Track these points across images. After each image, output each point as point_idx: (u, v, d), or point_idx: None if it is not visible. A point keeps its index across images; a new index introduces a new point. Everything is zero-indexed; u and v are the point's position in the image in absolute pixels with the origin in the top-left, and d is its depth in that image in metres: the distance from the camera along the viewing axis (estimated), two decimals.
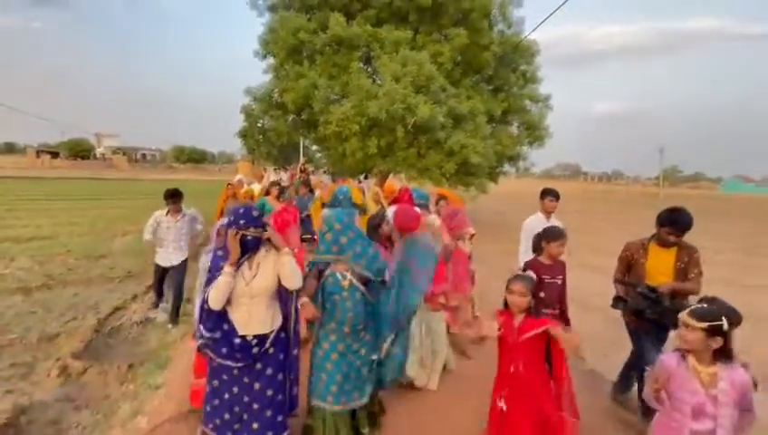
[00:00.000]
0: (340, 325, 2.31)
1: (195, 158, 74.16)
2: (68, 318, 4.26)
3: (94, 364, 3.31)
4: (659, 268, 2.75)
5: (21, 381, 3.12)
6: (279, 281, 2.15)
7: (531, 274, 2.48)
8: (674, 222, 2.69)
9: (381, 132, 9.97)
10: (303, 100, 10.66)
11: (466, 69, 11.40)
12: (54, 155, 64.64)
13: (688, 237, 2.80)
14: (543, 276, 2.71)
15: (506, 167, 13.74)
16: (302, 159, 18.75)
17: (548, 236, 2.81)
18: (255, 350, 2.12)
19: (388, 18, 11.02)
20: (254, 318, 2.12)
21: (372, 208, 5.34)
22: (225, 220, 2.53)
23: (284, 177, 15.37)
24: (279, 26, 10.83)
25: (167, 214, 4.31)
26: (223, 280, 2.02)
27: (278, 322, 2.22)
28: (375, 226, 3.29)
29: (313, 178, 11.58)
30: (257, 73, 13.15)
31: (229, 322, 2.11)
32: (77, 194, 18.97)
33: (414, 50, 10.27)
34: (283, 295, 2.28)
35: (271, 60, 12.37)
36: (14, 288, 5.10)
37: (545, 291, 2.71)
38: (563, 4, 7.78)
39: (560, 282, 2.82)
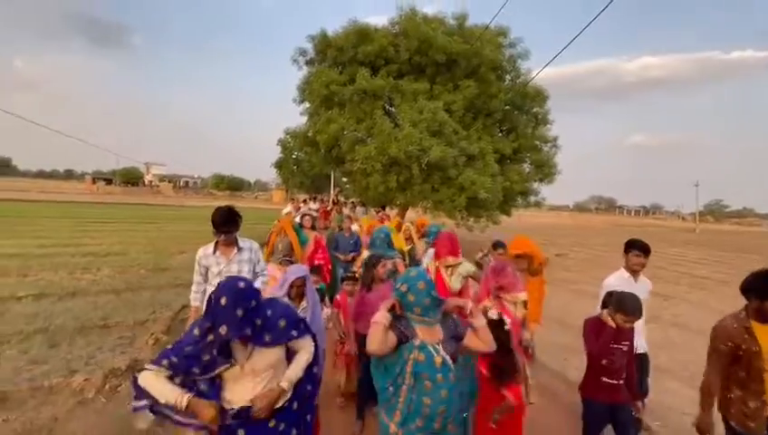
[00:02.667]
0: (430, 421, 1.78)
1: (233, 185, 78.56)
2: (150, 311, 5.70)
3: (176, 338, 4.68)
4: None
5: (128, 347, 4.52)
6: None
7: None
8: None
9: (400, 169, 11.36)
10: (333, 140, 12.32)
11: (477, 114, 12.74)
12: (108, 181, 70.42)
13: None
14: (612, 341, 2.45)
15: (519, 201, 14.78)
16: (334, 190, 20.15)
17: (617, 307, 2.45)
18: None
19: (408, 71, 12.66)
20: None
21: (402, 246, 5.36)
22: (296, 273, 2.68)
23: (314, 206, 16.17)
24: (314, 79, 12.68)
25: (215, 251, 3.08)
26: (169, 390, 1.66)
27: (287, 396, 1.89)
28: (370, 265, 3.23)
29: (347, 211, 12.44)
30: (290, 109, 14.92)
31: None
32: (132, 217, 21.37)
33: (431, 99, 11.79)
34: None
35: (306, 104, 14.27)
36: (107, 290, 6.67)
37: (608, 357, 2.46)
38: (565, 48, 9.13)
39: (625, 348, 2.49)
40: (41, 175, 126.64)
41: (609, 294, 2.62)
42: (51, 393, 3.45)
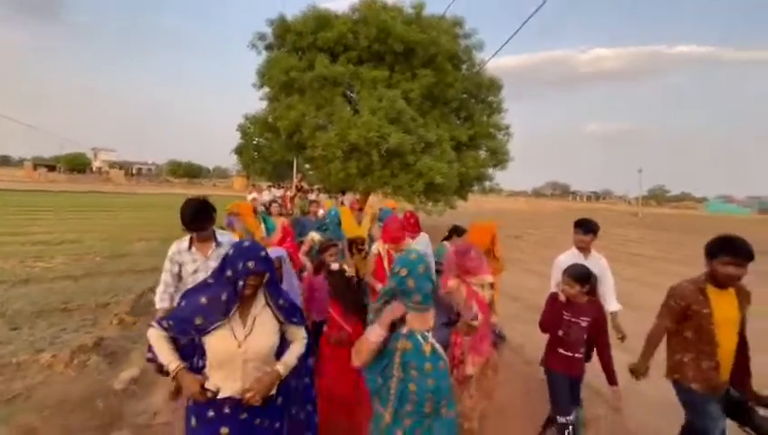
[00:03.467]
0: (419, 406, 1.76)
1: (190, 172, 75.65)
2: (112, 295, 5.79)
3: (141, 318, 4.86)
4: (727, 321, 2.25)
5: (92, 328, 4.65)
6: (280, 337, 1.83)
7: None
8: (732, 248, 2.19)
9: (360, 156, 11.67)
10: (294, 126, 12.41)
11: (435, 102, 13.22)
12: (51, 168, 65.72)
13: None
14: (563, 313, 2.57)
15: (475, 186, 15.51)
16: (297, 176, 20.08)
17: (563, 276, 2.59)
18: (245, 415, 1.72)
19: (367, 58, 12.88)
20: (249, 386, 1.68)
21: (356, 230, 5.28)
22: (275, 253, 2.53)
23: (278, 193, 16.11)
24: (273, 65, 12.65)
25: (189, 247, 2.67)
26: (155, 336, 1.73)
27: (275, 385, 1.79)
28: (319, 250, 3.43)
29: (314, 197, 12.63)
30: (249, 94, 14.61)
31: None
32: (82, 205, 20.39)
33: (390, 87, 12.12)
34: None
35: (266, 89, 14.18)
36: (63, 276, 6.62)
37: (564, 329, 2.57)
38: (510, 38, 9.48)
39: (584, 324, 2.54)
40: None
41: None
42: (19, 369, 3.60)
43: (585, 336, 2.56)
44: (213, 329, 1.66)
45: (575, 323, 2.55)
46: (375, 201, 14.98)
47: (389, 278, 1.86)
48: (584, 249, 3.24)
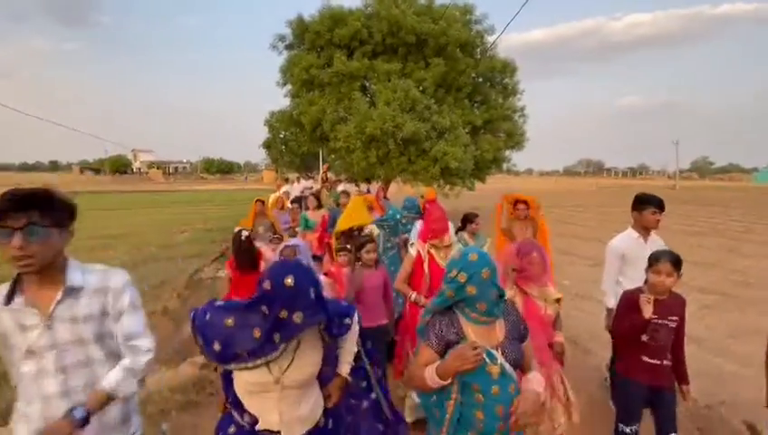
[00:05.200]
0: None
1: (223, 169, 78.73)
2: (168, 275, 6.88)
3: (194, 292, 5.89)
4: None
5: (157, 301, 5.71)
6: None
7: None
8: None
9: (378, 145, 12.42)
10: (316, 120, 13.29)
11: (448, 89, 13.71)
12: (96, 171, 70.25)
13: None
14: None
15: (492, 168, 15.92)
16: (323, 167, 20.93)
17: (648, 263, 2.15)
18: None
19: (381, 51, 13.50)
20: (289, 416, 1.45)
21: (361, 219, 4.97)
22: (291, 243, 2.51)
23: (307, 184, 16.60)
24: (294, 64, 13.51)
25: (10, 299, 1.31)
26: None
27: (320, 408, 1.59)
28: (355, 248, 3.07)
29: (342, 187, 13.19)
30: (274, 90, 15.27)
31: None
32: (129, 204, 22.28)
33: (403, 77, 12.72)
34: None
35: (289, 86, 15.10)
36: (128, 262, 7.82)
37: (650, 333, 2.12)
38: (516, 14, 9.59)
39: (672, 325, 2.15)
40: (25, 168, 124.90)
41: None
42: None
43: (672, 338, 2.16)
44: (237, 367, 1.37)
45: (663, 325, 2.11)
46: (395, 188, 15.68)
47: (444, 284, 1.51)
48: (647, 230, 2.74)
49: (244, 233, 3.68)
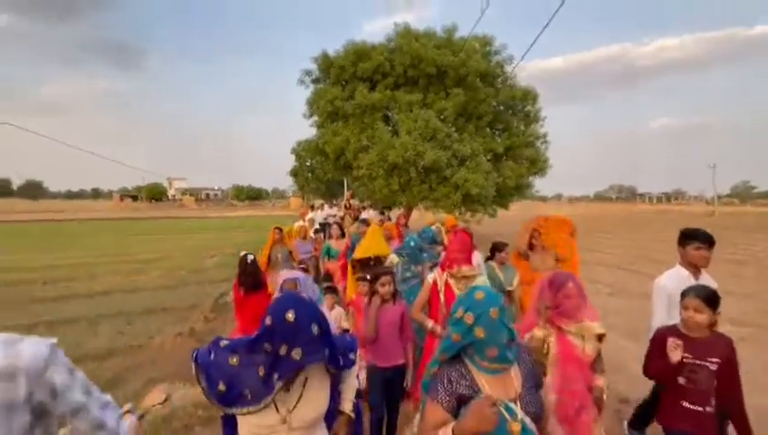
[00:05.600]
0: None
1: (252, 195, 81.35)
2: (196, 299, 7.20)
3: (219, 315, 6.15)
4: None
5: (185, 322, 5.99)
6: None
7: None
8: None
9: (400, 173, 12.70)
10: (340, 149, 13.78)
11: (469, 118, 13.98)
12: (134, 198, 73.99)
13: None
14: (684, 355, 1.96)
15: (514, 195, 15.89)
16: (346, 194, 21.36)
17: (690, 295, 2.02)
18: None
19: (403, 83, 14.01)
20: None
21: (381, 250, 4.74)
22: (291, 276, 2.41)
23: (332, 212, 16.95)
24: (319, 97, 14.18)
25: None
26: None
27: None
28: (373, 279, 2.80)
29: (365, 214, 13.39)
30: (301, 120, 15.89)
31: None
32: (163, 230, 23.34)
33: (425, 107, 13.11)
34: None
35: (315, 117, 15.78)
36: (160, 286, 8.23)
37: (686, 374, 1.98)
38: (537, 38, 9.34)
39: (713, 367, 1.96)
40: (70, 195, 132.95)
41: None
42: (139, 350, 4.93)
43: (716, 383, 1.96)
44: (241, 411, 1.30)
45: (702, 367, 1.95)
46: (417, 215, 15.83)
47: (449, 328, 1.36)
48: (698, 269, 2.51)
49: (250, 257, 3.96)
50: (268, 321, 1.27)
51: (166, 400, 1.63)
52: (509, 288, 3.65)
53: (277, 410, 1.31)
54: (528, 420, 1.27)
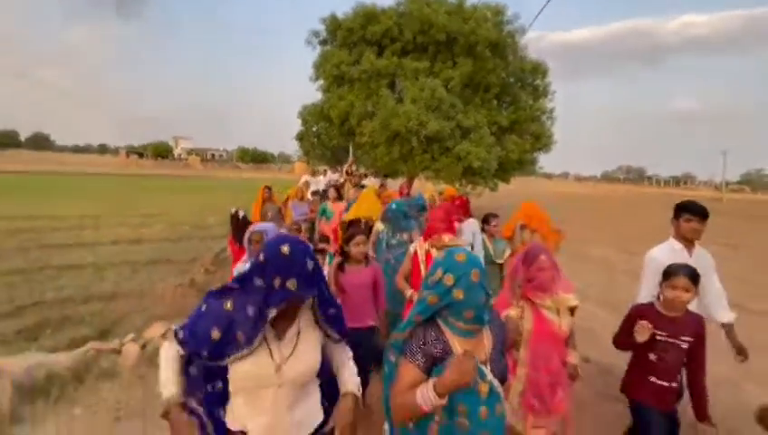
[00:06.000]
0: None
1: (257, 158, 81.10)
2: (198, 253, 7.51)
3: (219, 268, 6.46)
4: None
5: (186, 274, 6.30)
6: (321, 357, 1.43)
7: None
8: None
9: (402, 142, 12.72)
10: (344, 115, 13.75)
11: (475, 89, 13.81)
12: (140, 155, 74.03)
13: None
14: (656, 332, 1.98)
15: (518, 170, 15.87)
16: (350, 159, 21.25)
17: (663, 275, 2.04)
18: None
19: (411, 49, 13.76)
20: (284, 420, 1.31)
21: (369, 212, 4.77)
22: (259, 227, 2.45)
23: (334, 177, 16.96)
24: (326, 60, 14.00)
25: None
26: (169, 356, 1.34)
27: (319, 415, 1.44)
28: (346, 238, 2.77)
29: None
30: (309, 84, 15.61)
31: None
32: (168, 188, 23.62)
33: (431, 75, 12.94)
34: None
35: (321, 81, 15.62)
36: (163, 239, 8.56)
37: (657, 351, 2.00)
38: (544, 7, 9.23)
39: (685, 345, 1.98)
40: (77, 150, 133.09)
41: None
42: (142, 295, 5.26)
43: (685, 360, 2.01)
44: (234, 357, 1.27)
45: (673, 345, 1.97)
46: (418, 185, 15.92)
47: (426, 289, 1.34)
48: (692, 241, 2.49)
49: (241, 212, 4.25)
50: (261, 257, 1.26)
51: (166, 332, 1.77)
52: (499, 261, 3.67)
53: (272, 356, 1.29)
54: (496, 383, 1.31)
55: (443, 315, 1.31)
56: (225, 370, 1.34)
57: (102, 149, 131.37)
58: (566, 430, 1.98)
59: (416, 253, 2.97)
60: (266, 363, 1.28)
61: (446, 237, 2.91)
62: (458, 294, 1.25)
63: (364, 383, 2.44)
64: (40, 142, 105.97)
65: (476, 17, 12.93)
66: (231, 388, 1.33)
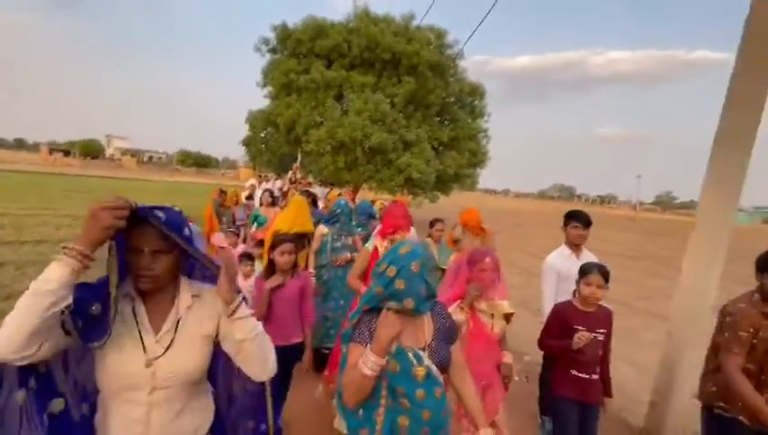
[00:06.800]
0: None
1: (199, 162, 77.68)
2: None
3: None
4: None
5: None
6: (213, 356, 1.20)
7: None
8: None
9: (347, 151, 13.21)
10: (291, 122, 13.99)
11: (417, 106, 14.70)
12: (66, 153, 67.98)
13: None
14: (577, 327, 2.08)
15: (454, 184, 16.92)
16: (295, 166, 21.22)
17: (579, 274, 2.18)
18: None
19: (358, 64, 14.39)
20: (157, 432, 1.11)
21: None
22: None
23: (278, 185, 16.96)
24: (274, 67, 14.22)
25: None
26: (30, 302, 0.90)
27: (205, 427, 1.23)
28: (271, 246, 2.53)
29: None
30: (257, 89, 15.42)
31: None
32: (99, 189, 22.14)
33: (377, 91, 13.62)
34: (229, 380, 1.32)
35: (269, 88, 15.73)
36: None
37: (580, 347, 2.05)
38: (481, 23, 9.47)
39: (601, 337, 2.13)
40: None
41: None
42: None
43: (601, 352, 2.16)
44: (102, 339, 1.04)
45: (593, 338, 2.06)
46: (361, 196, 16.45)
47: (373, 280, 1.44)
48: (578, 246, 2.81)
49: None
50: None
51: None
52: (443, 266, 3.64)
53: (144, 349, 1.08)
54: (433, 368, 1.37)
55: (387, 305, 1.37)
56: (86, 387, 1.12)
57: (19, 144, 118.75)
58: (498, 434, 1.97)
59: (375, 250, 2.97)
60: (134, 354, 1.07)
61: (407, 235, 2.98)
62: (399, 284, 1.34)
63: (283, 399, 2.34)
64: None
65: (420, 39, 13.85)
66: (99, 384, 1.09)
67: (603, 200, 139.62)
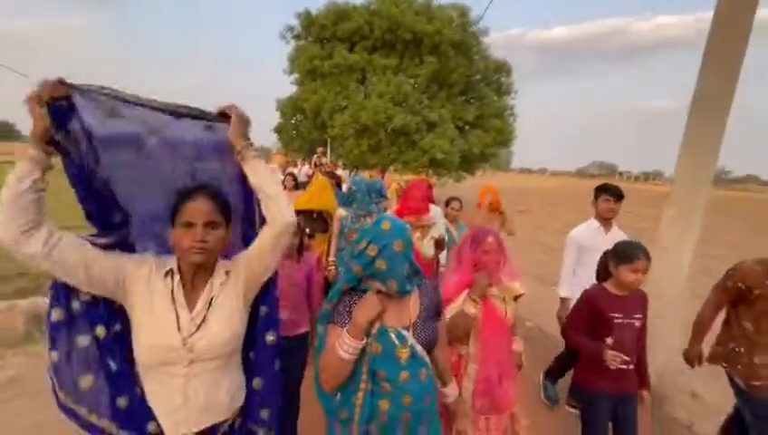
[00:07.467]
0: (392, 427, 1.30)
1: None
2: None
3: None
4: None
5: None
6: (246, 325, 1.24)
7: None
8: None
9: (370, 135, 13.47)
10: (317, 108, 14.40)
11: (440, 85, 14.66)
12: None
13: None
14: (613, 315, 1.90)
15: (480, 163, 16.82)
16: (319, 150, 21.41)
17: (619, 257, 1.91)
18: None
19: (381, 47, 14.48)
20: (197, 402, 1.15)
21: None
22: None
23: (305, 170, 16.99)
24: (299, 54, 14.59)
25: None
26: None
27: (241, 397, 1.27)
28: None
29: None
30: (282, 75, 15.91)
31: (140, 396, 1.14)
32: None
33: (399, 72, 13.72)
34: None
35: (296, 74, 16.16)
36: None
37: (615, 335, 1.88)
38: (491, 2, 9.59)
39: (638, 323, 1.93)
40: None
41: (604, 256, 2.04)
42: None
43: (636, 340, 1.96)
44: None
45: (629, 326, 1.91)
46: (387, 178, 16.69)
47: (350, 259, 1.34)
48: (608, 220, 2.70)
49: None
50: None
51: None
52: None
53: (179, 326, 1.11)
54: (419, 348, 1.30)
55: (369, 284, 1.30)
56: (122, 341, 1.15)
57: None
58: (515, 424, 1.92)
59: None
60: (170, 329, 1.10)
61: (425, 217, 2.90)
62: (381, 264, 1.25)
63: (293, 403, 2.17)
64: None
65: (442, 18, 13.74)
66: (136, 357, 1.13)
67: (648, 177, 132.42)
